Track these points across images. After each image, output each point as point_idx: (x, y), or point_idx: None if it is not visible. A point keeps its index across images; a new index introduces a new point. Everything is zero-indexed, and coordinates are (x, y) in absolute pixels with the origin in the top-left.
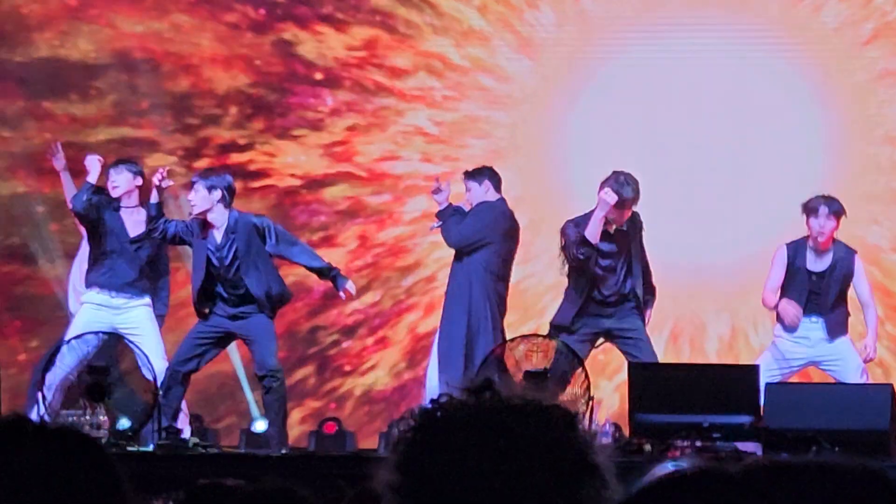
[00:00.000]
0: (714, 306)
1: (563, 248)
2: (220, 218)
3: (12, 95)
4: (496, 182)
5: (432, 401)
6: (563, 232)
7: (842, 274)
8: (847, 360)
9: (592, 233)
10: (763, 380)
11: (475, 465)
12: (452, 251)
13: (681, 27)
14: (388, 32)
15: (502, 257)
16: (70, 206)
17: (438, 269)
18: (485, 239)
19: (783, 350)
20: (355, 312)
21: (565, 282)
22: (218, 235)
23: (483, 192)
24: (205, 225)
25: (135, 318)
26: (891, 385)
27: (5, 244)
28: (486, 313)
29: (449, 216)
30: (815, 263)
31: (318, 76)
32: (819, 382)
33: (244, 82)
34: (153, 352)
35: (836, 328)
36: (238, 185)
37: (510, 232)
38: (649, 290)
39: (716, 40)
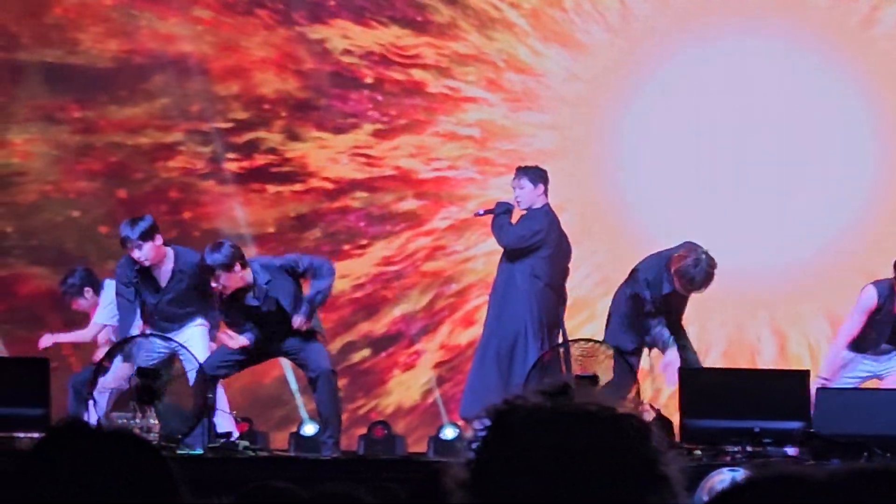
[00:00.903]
0: (761, 317)
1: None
2: (249, 279)
3: (52, 96)
4: (547, 188)
5: (506, 401)
6: (632, 276)
7: None
8: None
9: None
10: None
11: (545, 467)
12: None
13: (730, 32)
14: (430, 34)
15: (553, 265)
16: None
17: (475, 280)
18: (538, 243)
19: (851, 362)
20: (396, 321)
21: (600, 300)
22: (252, 297)
23: (536, 194)
24: (236, 296)
25: (187, 335)
26: None
27: (55, 248)
28: (528, 318)
29: (501, 212)
30: None
31: (356, 78)
32: (870, 388)
33: (277, 84)
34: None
35: None
36: (276, 187)
37: (563, 240)
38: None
39: (765, 45)
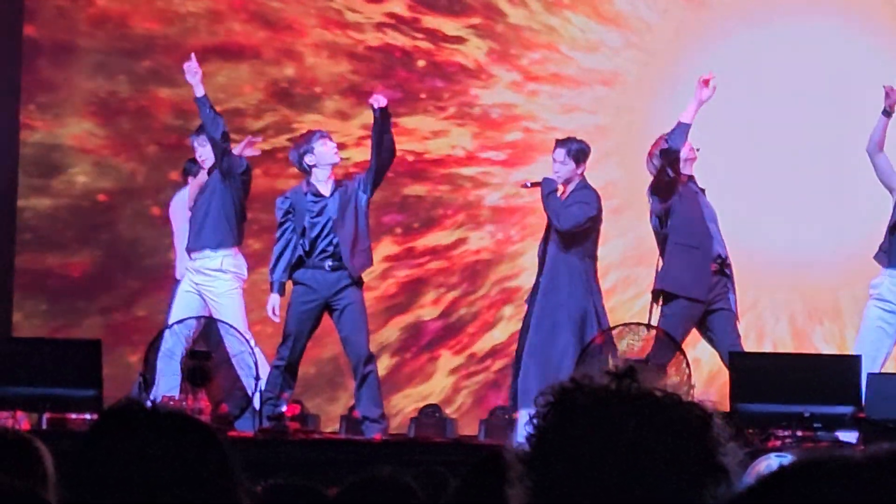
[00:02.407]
0: (809, 302)
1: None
2: (337, 157)
3: (104, 79)
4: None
5: (573, 380)
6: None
7: None
8: None
9: (689, 113)
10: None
11: (606, 448)
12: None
13: (786, 12)
14: (461, 12)
15: (597, 244)
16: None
17: (497, 277)
18: (590, 224)
19: (874, 318)
20: (415, 322)
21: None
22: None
23: (577, 172)
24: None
25: (219, 291)
26: None
27: (106, 230)
28: (592, 299)
29: (551, 191)
30: None
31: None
32: None
33: (328, 67)
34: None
35: None
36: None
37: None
38: None
39: (821, 29)
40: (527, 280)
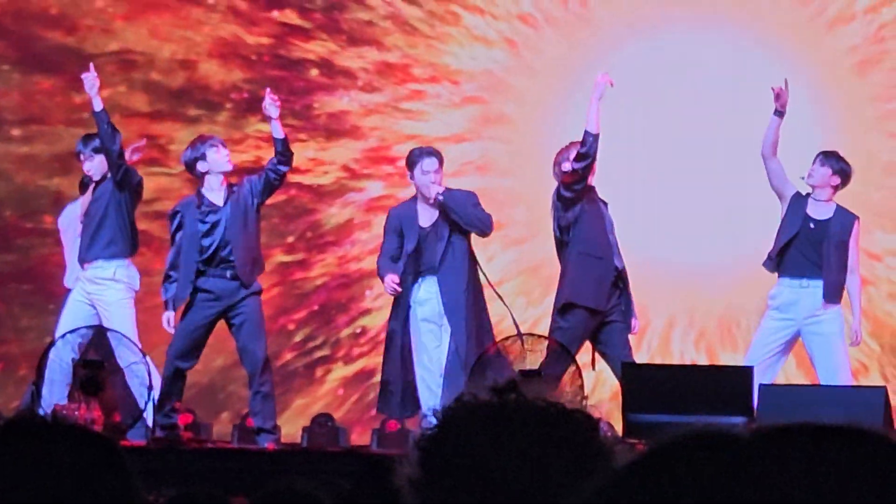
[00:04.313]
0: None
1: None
2: (227, 165)
3: None
4: None
5: (456, 399)
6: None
7: (840, 228)
8: (831, 334)
9: (594, 121)
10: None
11: (496, 465)
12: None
13: (678, 25)
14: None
15: None
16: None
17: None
18: None
19: (769, 329)
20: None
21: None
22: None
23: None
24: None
25: (108, 297)
26: (884, 387)
27: None
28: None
29: (464, 202)
30: (816, 211)
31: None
32: (812, 384)
33: (221, 75)
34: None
35: (833, 293)
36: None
37: None
38: None
39: (713, 39)
40: (380, 298)
